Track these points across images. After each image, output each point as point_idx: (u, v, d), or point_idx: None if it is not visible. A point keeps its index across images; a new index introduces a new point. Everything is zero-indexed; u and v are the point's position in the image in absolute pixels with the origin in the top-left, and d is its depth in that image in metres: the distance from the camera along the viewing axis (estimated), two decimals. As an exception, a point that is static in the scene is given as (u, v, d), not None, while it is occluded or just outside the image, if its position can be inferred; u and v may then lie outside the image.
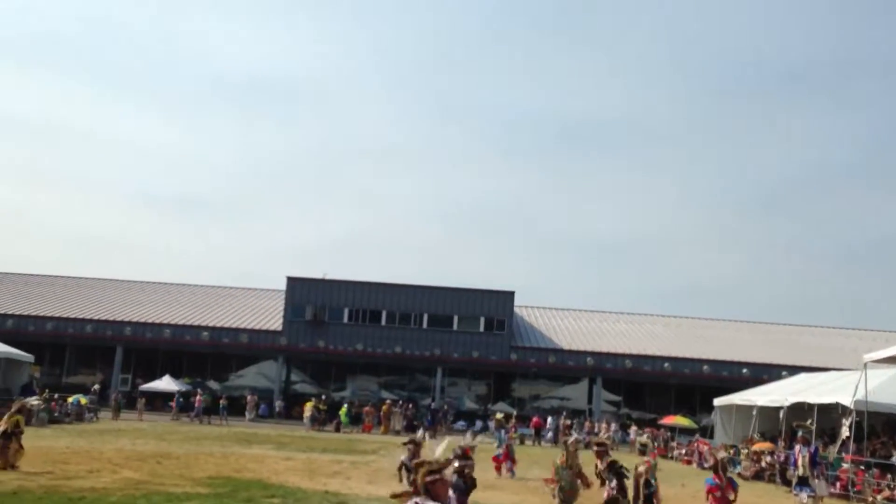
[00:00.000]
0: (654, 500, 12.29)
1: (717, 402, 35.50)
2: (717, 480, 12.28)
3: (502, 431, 23.38)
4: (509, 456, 21.17)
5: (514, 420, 42.82)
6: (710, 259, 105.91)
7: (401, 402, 45.49)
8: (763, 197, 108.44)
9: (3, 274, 58.89)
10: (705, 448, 30.62)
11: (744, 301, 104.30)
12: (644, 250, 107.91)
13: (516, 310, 52.39)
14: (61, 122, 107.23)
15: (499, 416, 23.77)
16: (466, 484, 10.02)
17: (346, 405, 43.70)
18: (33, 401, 34.15)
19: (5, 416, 17.66)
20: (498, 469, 21.01)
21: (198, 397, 42.26)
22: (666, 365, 48.86)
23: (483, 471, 15.18)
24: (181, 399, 44.38)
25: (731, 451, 30.48)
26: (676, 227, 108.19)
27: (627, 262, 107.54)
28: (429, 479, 5.78)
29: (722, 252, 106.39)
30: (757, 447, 28.10)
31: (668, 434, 39.39)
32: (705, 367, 48.53)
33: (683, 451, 34.85)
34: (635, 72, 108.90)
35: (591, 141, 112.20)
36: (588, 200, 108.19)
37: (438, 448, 8.02)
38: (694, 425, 41.28)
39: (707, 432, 36.21)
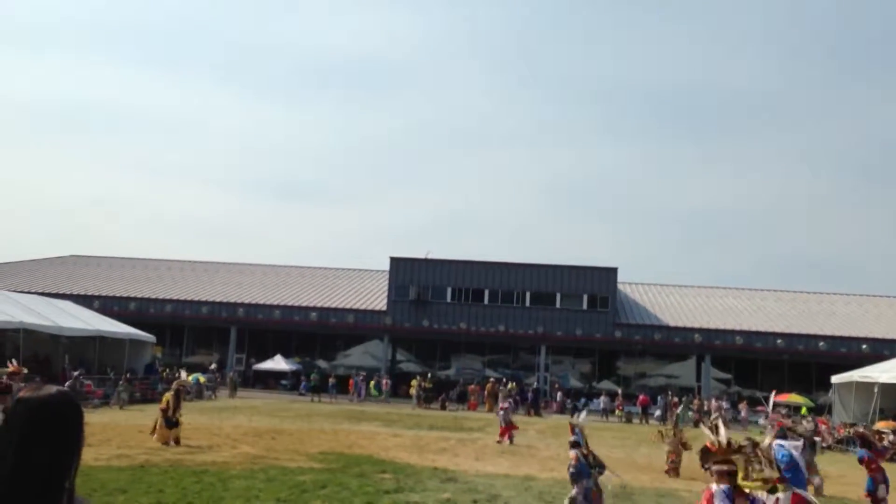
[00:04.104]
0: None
1: (836, 379, 34.09)
2: (871, 453, 12.41)
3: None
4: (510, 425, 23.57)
5: (620, 398, 42.38)
6: (825, 232, 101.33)
7: (505, 380, 45.61)
8: (883, 168, 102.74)
9: (125, 259, 62.20)
10: (823, 427, 29.43)
11: (862, 274, 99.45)
12: (754, 224, 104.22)
13: (620, 286, 51.59)
14: (177, 115, 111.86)
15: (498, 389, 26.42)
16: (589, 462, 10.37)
17: (372, 379, 45.84)
18: (192, 378, 37.14)
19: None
20: (502, 436, 23.27)
21: (384, 380, 45.56)
22: (779, 341, 47.16)
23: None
24: (292, 378, 46.99)
25: (851, 431, 29.25)
26: (789, 199, 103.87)
27: (736, 236, 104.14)
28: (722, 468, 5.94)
29: (839, 224, 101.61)
30: (879, 426, 26.82)
31: (783, 412, 38.00)
32: (821, 344, 46.61)
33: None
34: (738, 42, 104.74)
35: (695, 112, 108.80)
36: (693, 173, 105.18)
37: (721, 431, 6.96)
38: (810, 403, 39.73)
39: (824, 410, 34.79)
